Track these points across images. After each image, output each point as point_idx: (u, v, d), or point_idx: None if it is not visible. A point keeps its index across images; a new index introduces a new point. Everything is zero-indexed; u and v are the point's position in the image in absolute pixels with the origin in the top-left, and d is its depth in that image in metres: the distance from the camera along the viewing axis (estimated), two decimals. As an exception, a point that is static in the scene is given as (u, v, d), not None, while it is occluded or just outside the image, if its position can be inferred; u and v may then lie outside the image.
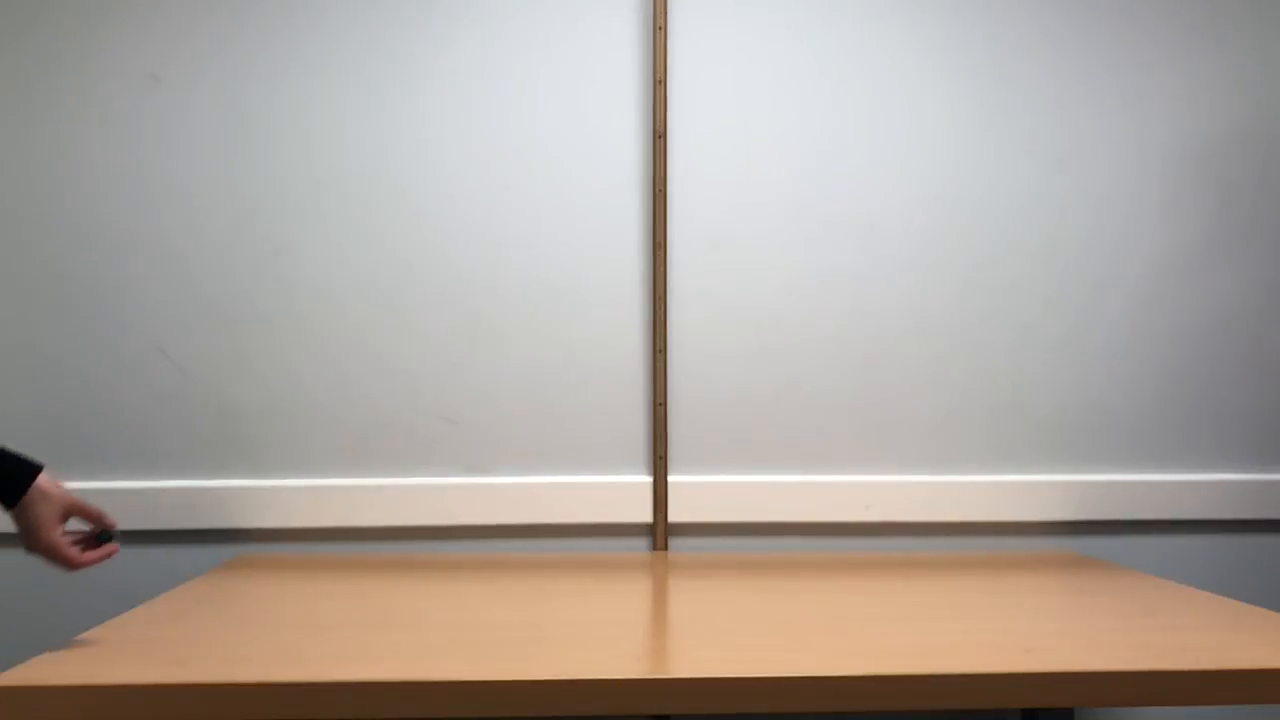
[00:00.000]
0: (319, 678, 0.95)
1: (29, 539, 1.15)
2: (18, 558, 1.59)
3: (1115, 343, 1.72)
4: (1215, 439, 1.73)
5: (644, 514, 1.65)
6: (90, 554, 1.19)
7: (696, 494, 1.66)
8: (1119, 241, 1.71)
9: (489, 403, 1.65)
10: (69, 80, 1.60)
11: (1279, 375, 1.73)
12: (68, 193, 1.61)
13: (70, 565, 1.16)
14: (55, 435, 1.60)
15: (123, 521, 1.59)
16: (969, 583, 1.41)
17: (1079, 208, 1.71)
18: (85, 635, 1.11)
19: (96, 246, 1.61)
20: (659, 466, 1.66)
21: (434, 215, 1.65)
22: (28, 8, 1.60)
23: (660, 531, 1.66)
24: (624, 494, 1.65)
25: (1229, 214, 1.73)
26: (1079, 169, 1.71)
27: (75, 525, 1.21)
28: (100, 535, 1.21)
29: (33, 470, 1.14)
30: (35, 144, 1.60)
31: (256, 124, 1.63)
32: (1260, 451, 1.73)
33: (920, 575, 1.47)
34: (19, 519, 1.14)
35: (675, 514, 1.65)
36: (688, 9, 1.67)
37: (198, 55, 1.62)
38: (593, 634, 1.12)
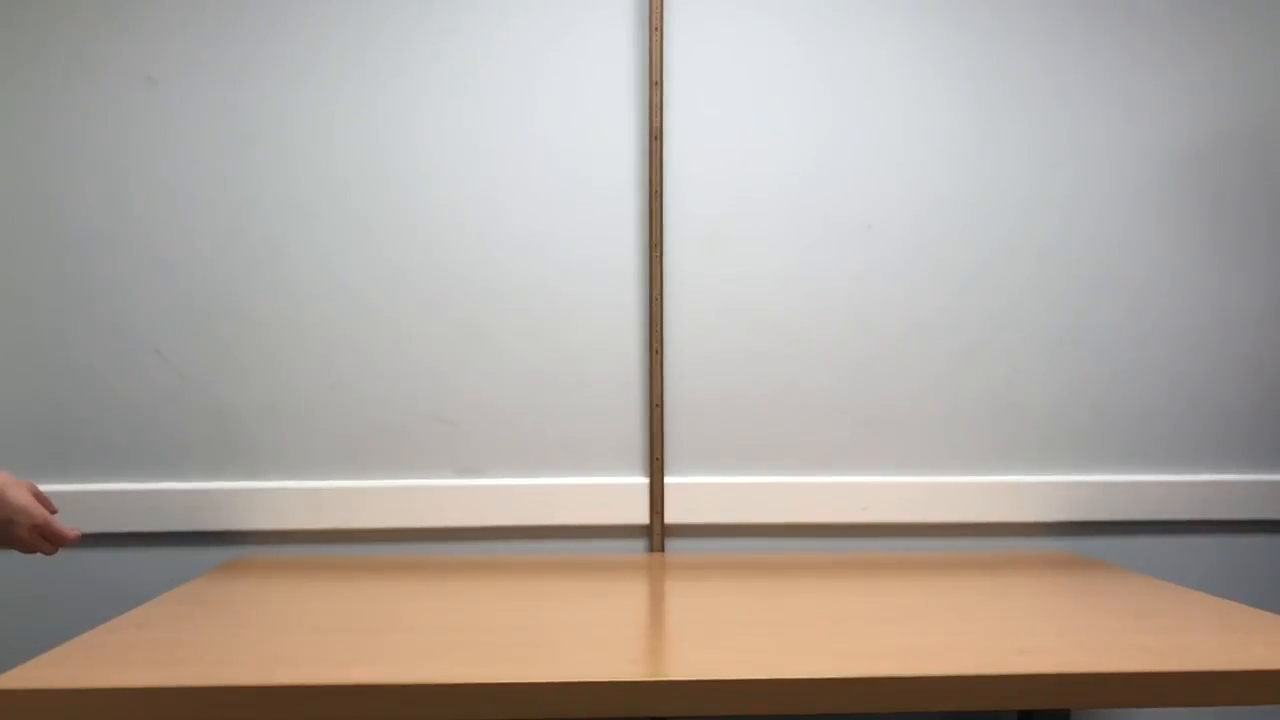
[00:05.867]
0: (316, 680, 0.95)
1: (9, 528, 1.20)
2: (17, 559, 1.60)
3: (1112, 343, 1.72)
4: (1212, 440, 1.73)
5: (640, 515, 1.66)
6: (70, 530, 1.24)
7: (693, 495, 1.66)
8: (1116, 242, 1.72)
9: (485, 404, 1.65)
10: (63, 82, 1.60)
11: (1276, 376, 1.74)
12: (62, 195, 1.60)
13: (54, 530, 1.22)
14: (51, 438, 1.60)
15: (119, 524, 1.60)
16: (966, 583, 1.42)
17: (1076, 208, 1.71)
18: (83, 637, 1.11)
19: (92, 250, 1.61)
20: (655, 468, 1.66)
21: (430, 216, 1.65)
22: (21, 9, 1.60)
23: (657, 533, 1.66)
24: (620, 495, 1.65)
25: (1226, 214, 1.73)
26: (1077, 169, 1.71)
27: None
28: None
29: None
30: (28, 146, 1.60)
31: (252, 125, 1.63)
32: (1257, 452, 1.74)
33: (917, 576, 1.47)
34: None
35: (672, 515, 1.65)
36: (684, 11, 1.67)
37: (192, 57, 1.62)
38: (589, 636, 1.12)
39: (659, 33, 1.65)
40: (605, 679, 0.96)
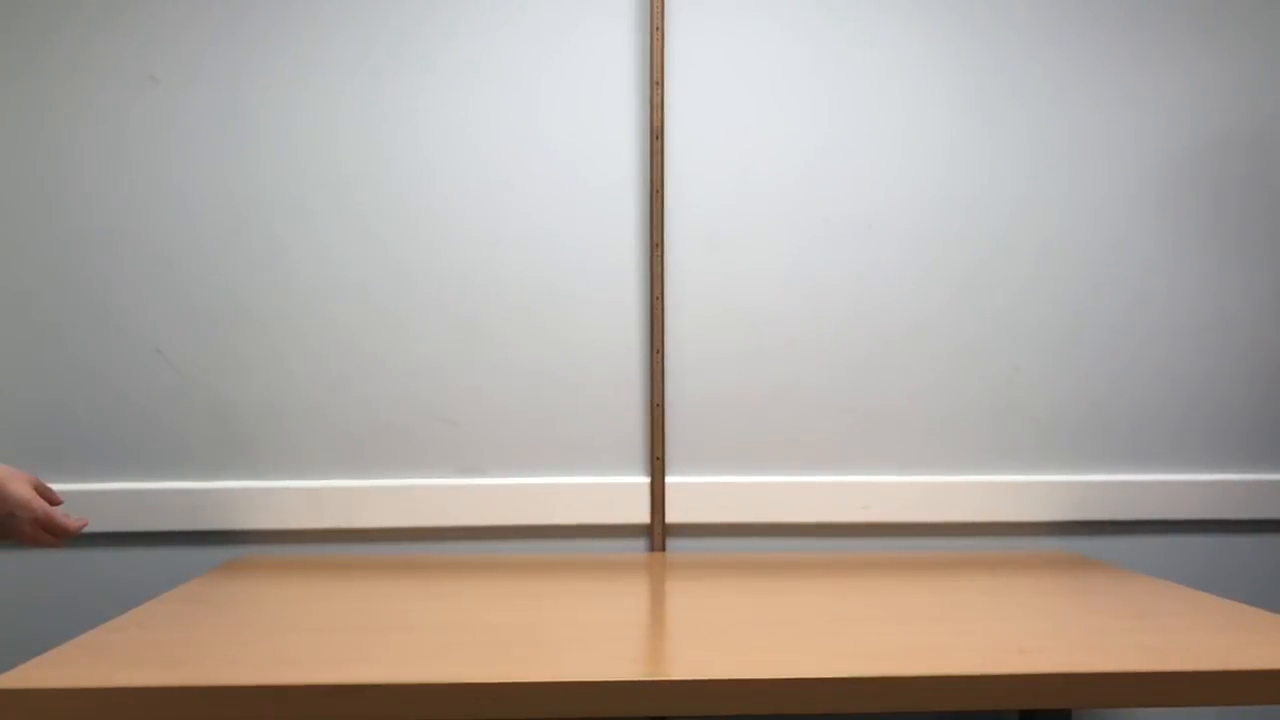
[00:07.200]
0: (317, 679, 0.95)
1: (10, 522, 1.18)
2: (18, 558, 1.60)
3: (1113, 342, 1.72)
4: (1212, 439, 1.73)
5: (641, 515, 1.66)
6: (73, 521, 1.22)
7: (694, 495, 1.66)
8: (1116, 241, 1.72)
9: (486, 403, 1.65)
10: (65, 81, 1.60)
11: (1276, 375, 1.74)
12: (63, 194, 1.60)
13: (56, 522, 1.20)
14: (52, 437, 1.60)
15: (120, 523, 1.60)
16: (967, 583, 1.42)
17: (1076, 207, 1.71)
18: (84, 637, 1.11)
19: (93, 248, 1.61)
20: (656, 467, 1.66)
21: (431, 215, 1.65)
22: (22, 9, 1.60)
23: (658, 532, 1.66)
24: (621, 495, 1.65)
25: (1226, 214, 1.73)
26: (1077, 168, 1.71)
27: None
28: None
29: None
30: (30, 145, 1.60)
31: (254, 124, 1.63)
32: (1257, 452, 1.74)
33: (918, 576, 1.47)
34: None
35: (673, 515, 1.65)
36: (685, 11, 1.67)
37: (194, 55, 1.62)
38: (590, 635, 1.12)
39: (660, 32, 1.65)
40: (605, 679, 0.96)
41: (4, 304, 1.60)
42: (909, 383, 1.70)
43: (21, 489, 1.19)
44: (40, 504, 1.20)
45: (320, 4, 1.63)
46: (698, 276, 1.67)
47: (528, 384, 1.66)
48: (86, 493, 1.59)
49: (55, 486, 1.55)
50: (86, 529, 1.54)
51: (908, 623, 1.18)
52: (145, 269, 1.61)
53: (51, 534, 1.22)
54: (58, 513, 1.22)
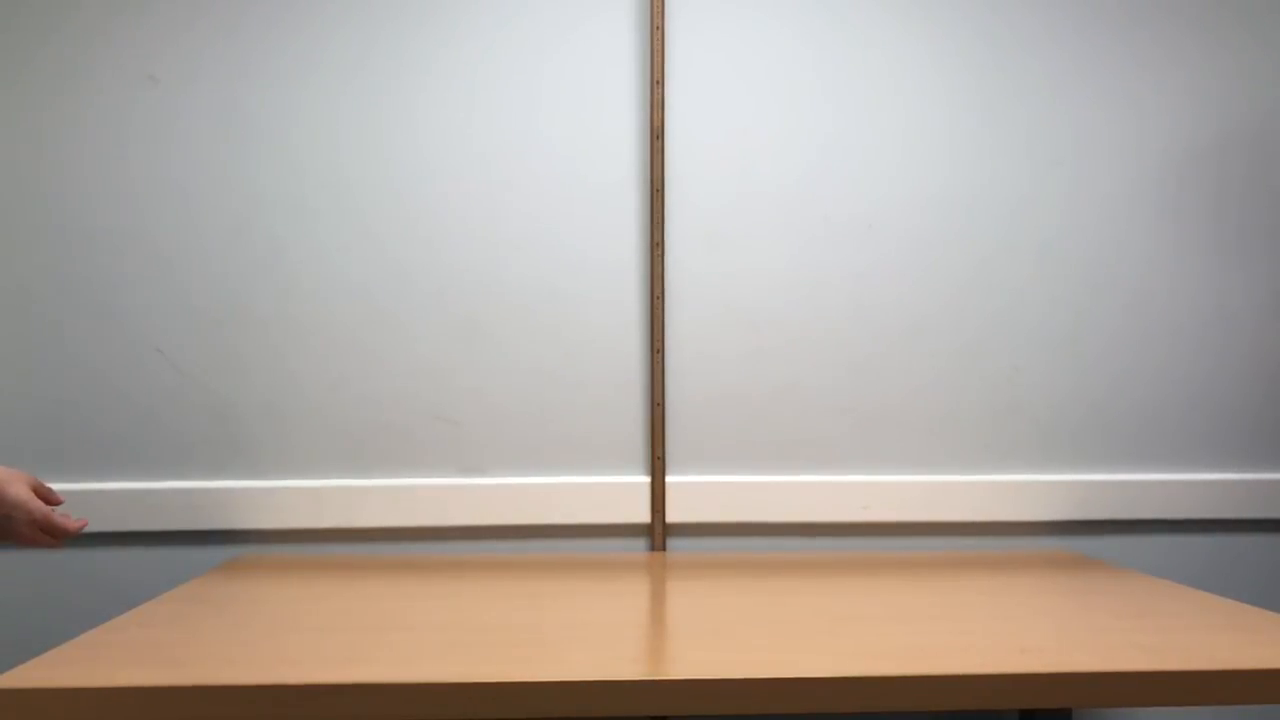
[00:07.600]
0: (317, 679, 0.95)
1: (8, 524, 1.18)
2: (18, 558, 1.60)
3: (1113, 342, 1.72)
4: (1212, 438, 1.73)
5: (642, 514, 1.66)
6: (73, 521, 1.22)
7: (694, 494, 1.66)
8: (1117, 241, 1.72)
9: (487, 403, 1.65)
10: (65, 81, 1.60)
11: (1276, 375, 1.74)
12: (64, 194, 1.60)
13: (55, 524, 1.19)
14: (52, 436, 1.60)
15: (120, 523, 1.60)
16: (967, 583, 1.42)
17: (1077, 207, 1.71)
18: (84, 637, 1.11)
19: (93, 248, 1.61)
20: (657, 467, 1.66)
21: (431, 215, 1.65)
22: (23, 9, 1.60)
23: (658, 532, 1.66)
24: (622, 494, 1.65)
25: (1227, 213, 1.73)
26: (1077, 168, 1.71)
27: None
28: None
29: None
30: (30, 144, 1.60)
31: (254, 124, 1.63)
32: (1258, 451, 1.74)
33: (918, 575, 1.47)
34: None
35: (673, 514, 1.65)
36: (685, 10, 1.67)
37: (194, 55, 1.62)
38: (590, 635, 1.12)
39: (660, 31, 1.65)
40: (606, 678, 0.96)
41: (4, 304, 1.60)
42: (909, 382, 1.70)
43: (19, 490, 1.18)
44: (38, 505, 1.20)
45: (320, 4, 1.63)
46: (698, 276, 1.67)
47: (528, 384, 1.66)
48: (86, 493, 1.59)
49: (55, 486, 1.56)
50: (86, 529, 1.54)
51: (908, 623, 1.18)
52: (146, 268, 1.62)
53: (50, 535, 1.22)
54: (56, 514, 1.21)
